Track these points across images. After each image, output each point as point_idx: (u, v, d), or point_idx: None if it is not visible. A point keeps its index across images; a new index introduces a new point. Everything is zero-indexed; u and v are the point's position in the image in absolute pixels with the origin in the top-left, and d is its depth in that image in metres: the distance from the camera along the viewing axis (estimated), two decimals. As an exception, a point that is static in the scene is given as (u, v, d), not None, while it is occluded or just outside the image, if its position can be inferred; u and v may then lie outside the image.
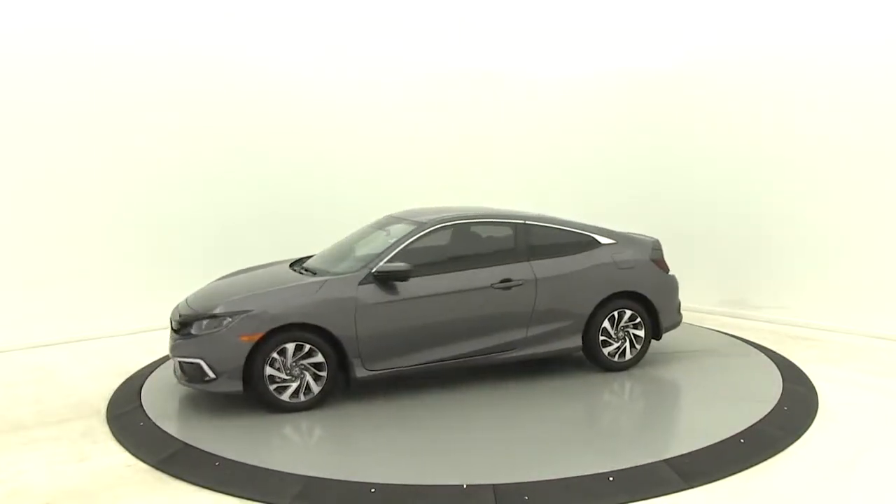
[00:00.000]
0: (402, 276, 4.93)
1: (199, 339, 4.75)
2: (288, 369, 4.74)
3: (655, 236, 6.07)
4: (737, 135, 7.80)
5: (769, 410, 4.65)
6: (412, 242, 5.15)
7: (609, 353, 5.58)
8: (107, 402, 5.16)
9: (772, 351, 6.23)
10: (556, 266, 5.44)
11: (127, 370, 5.96)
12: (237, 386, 4.66)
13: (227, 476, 3.83)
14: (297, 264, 5.66)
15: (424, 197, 7.16)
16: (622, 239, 5.78)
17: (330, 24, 8.61)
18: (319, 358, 4.78)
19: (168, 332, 5.16)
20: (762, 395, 4.98)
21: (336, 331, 4.78)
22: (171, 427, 4.57)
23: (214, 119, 7.90)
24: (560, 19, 9.32)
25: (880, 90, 6.64)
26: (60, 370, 6.08)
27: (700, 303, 7.63)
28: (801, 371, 5.62)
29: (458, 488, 3.60)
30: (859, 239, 6.90)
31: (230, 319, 4.68)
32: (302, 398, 4.79)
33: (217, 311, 4.77)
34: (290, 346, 4.71)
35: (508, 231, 5.50)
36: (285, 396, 4.75)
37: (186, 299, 5.30)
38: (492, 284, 5.21)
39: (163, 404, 5.04)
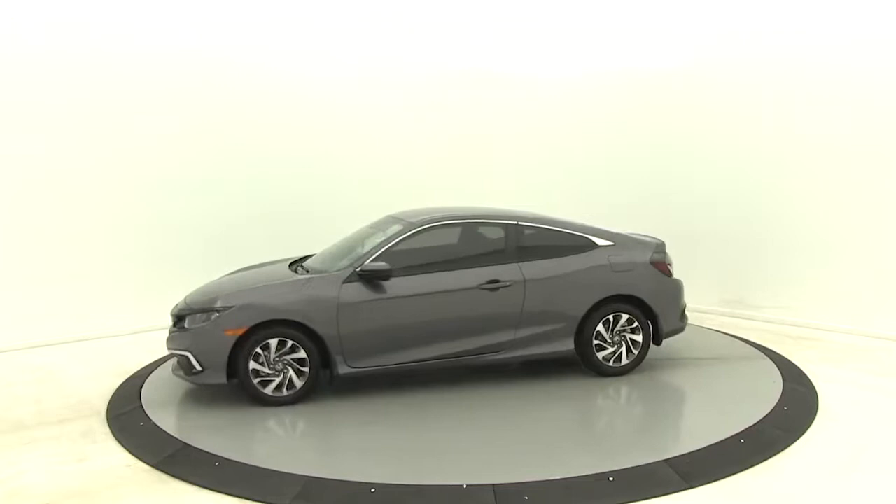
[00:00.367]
0: (384, 275, 5.00)
1: (189, 333, 4.98)
2: (271, 364, 4.88)
3: (660, 238, 5.90)
4: (737, 135, 7.80)
5: (769, 410, 4.65)
6: (399, 242, 5.20)
7: (604, 358, 5.45)
8: (107, 402, 5.16)
9: (772, 351, 6.23)
10: (546, 268, 5.35)
11: (127, 370, 5.97)
12: (221, 378, 4.84)
13: (227, 476, 3.83)
14: (298, 263, 5.73)
15: (425, 197, 7.15)
16: (621, 240, 5.64)
17: (330, 24, 8.61)
18: (302, 354, 4.91)
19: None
20: (762, 395, 4.98)
21: (318, 328, 4.90)
22: (171, 427, 4.57)
23: (214, 119, 7.90)
24: (560, 19, 9.31)
25: (880, 90, 6.64)
26: (60, 370, 6.08)
27: (700, 303, 7.63)
28: (801, 371, 5.62)
29: (458, 488, 3.60)
30: (859, 239, 6.90)
31: (217, 314, 4.87)
32: (285, 392, 4.92)
33: (204, 305, 5.00)
34: (273, 342, 4.85)
35: (499, 232, 5.47)
36: (268, 390, 4.90)
37: (186, 295, 5.43)
38: (478, 285, 5.18)
39: (163, 405, 5.05)
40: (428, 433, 4.46)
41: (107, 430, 4.61)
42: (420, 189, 8.69)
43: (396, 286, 5.05)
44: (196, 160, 7.82)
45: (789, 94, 7.33)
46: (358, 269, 5.02)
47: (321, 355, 4.97)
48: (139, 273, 7.47)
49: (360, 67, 8.81)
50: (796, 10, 7.21)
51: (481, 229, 5.58)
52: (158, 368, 5.99)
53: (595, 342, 5.42)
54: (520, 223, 5.49)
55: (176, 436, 4.40)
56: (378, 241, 5.29)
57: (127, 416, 4.84)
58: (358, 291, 5.00)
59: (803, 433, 4.32)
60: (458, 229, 5.53)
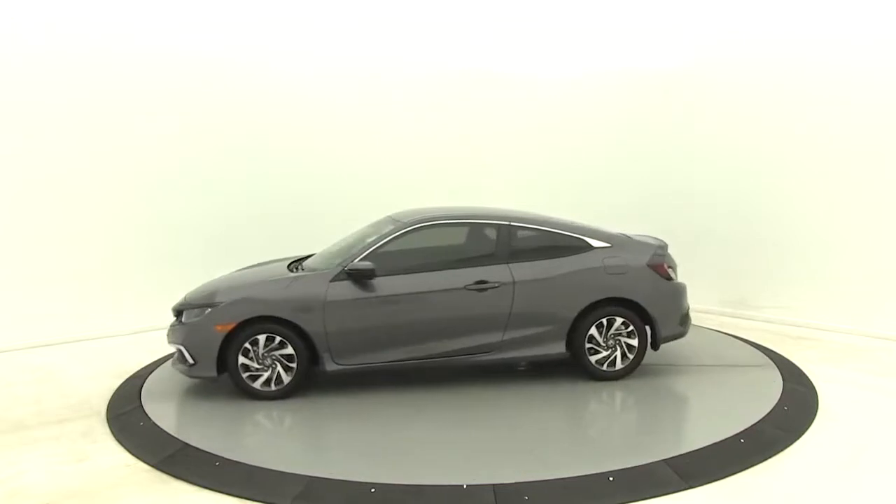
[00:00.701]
0: (368, 274, 5.06)
1: (184, 327, 5.16)
2: (260, 359, 5.00)
3: (663, 240, 5.79)
4: (737, 135, 7.81)
5: (769, 410, 4.65)
6: (388, 242, 5.24)
7: (597, 362, 5.33)
8: (107, 402, 5.16)
9: (772, 351, 6.23)
10: (537, 269, 5.28)
11: (127, 370, 5.97)
12: (212, 372, 5.01)
13: (227, 476, 3.82)
14: (298, 262, 5.78)
15: (425, 197, 7.16)
16: (619, 242, 5.52)
17: (330, 25, 8.61)
18: (290, 350, 5.02)
19: None
20: (762, 395, 4.98)
21: (305, 325, 5.00)
22: (171, 427, 4.57)
23: (214, 119, 7.90)
24: (560, 19, 9.32)
25: (880, 90, 6.64)
26: (60, 370, 6.08)
27: (700, 303, 7.62)
28: (801, 371, 5.62)
29: (458, 488, 3.60)
30: (859, 239, 6.90)
31: (209, 310, 5.04)
32: (273, 388, 5.04)
33: (199, 301, 5.18)
34: (262, 338, 4.98)
35: (491, 232, 5.45)
36: (257, 385, 5.04)
37: (189, 291, 5.57)
38: (465, 286, 5.17)
39: (163, 404, 5.05)
40: (428, 433, 4.46)
41: (107, 430, 4.61)
42: (420, 189, 8.69)
43: (384, 285, 5.11)
44: (196, 160, 7.82)
45: (789, 94, 7.33)
46: (346, 268, 5.09)
47: (309, 352, 5.05)
48: (139, 273, 7.48)
49: (360, 67, 8.81)
50: (796, 10, 7.21)
51: (473, 230, 5.59)
52: (158, 368, 5.99)
53: (588, 346, 5.32)
54: (512, 224, 5.44)
55: (176, 436, 4.40)
56: (368, 240, 5.36)
57: (127, 416, 4.84)
58: (345, 290, 5.07)
59: (803, 433, 4.32)
60: (450, 230, 5.54)
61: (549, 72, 9.52)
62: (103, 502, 3.57)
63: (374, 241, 5.28)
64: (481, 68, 9.56)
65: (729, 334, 6.91)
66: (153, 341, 6.75)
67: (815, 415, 4.64)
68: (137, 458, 4.12)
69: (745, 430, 4.31)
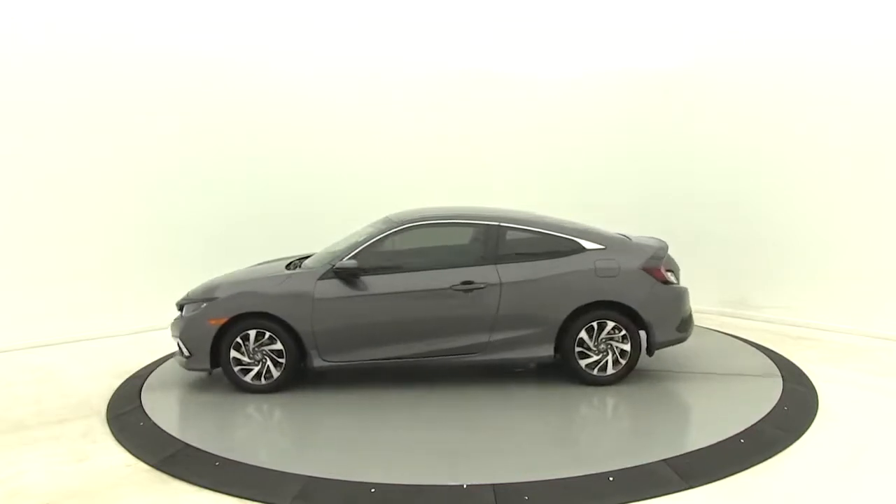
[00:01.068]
0: (354, 273, 5.14)
1: (182, 321, 5.36)
2: (251, 354, 5.17)
3: (665, 242, 5.66)
4: (737, 135, 7.80)
5: (769, 410, 4.65)
6: (376, 242, 5.31)
7: (587, 366, 5.21)
8: (107, 402, 5.17)
9: (772, 351, 6.23)
10: (525, 271, 5.19)
11: (127, 370, 5.97)
12: (206, 364, 5.20)
13: (227, 476, 3.82)
14: (299, 261, 5.82)
15: (424, 197, 7.15)
16: (614, 244, 5.38)
17: (330, 25, 8.61)
18: (279, 346, 5.16)
19: None
20: (762, 395, 4.98)
21: (293, 322, 5.13)
22: (171, 427, 4.57)
23: (214, 119, 7.90)
24: (560, 19, 9.32)
25: (880, 90, 6.64)
26: (60, 370, 6.08)
27: (700, 303, 7.61)
28: (801, 371, 5.62)
29: (458, 488, 3.60)
30: (859, 239, 6.90)
31: (205, 304, 5.24)
32: (263, 382, 5.21)
33: (198, 296, 5.38)
34: (252, 333, 5.15)
35: (481, 233, 5.44)
36: (248, 378, 5.22)
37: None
38: (451, 286, 5.15)
39: (163, 404, 5.06)
40: (428, 433, 4.46)
41: (107, 430, 4.61)
42: (420, 189, 8.69)
43: (371, 284, 5.18)
44: (196, 160, 7.82)
45: (789, 94, 7.33)
46: (334, 267, 5.18)
47: (298, 348, 5.17)
48: (139, 273, 7.48)
49: (359, 67, 8.81)
50: (796, 10, 7.21)
51: (463, 230, 5.60)
52: (158, 368, 5.99)
53: (578, 349, 5.20)
54: (501, 225, 5.38)
55: (176, 436, 4.40)
56: (357, 240, 5.43)
57: (127, 416, 4.84)
58: (332, 288, 5.16)
59: (803, 433, 4.32)
60: (445, 230, 5.54)
61: (549, 72, 9.52)
62: (103, 502, 3.57)
63: (363, 240, 5.35)
64: (481, 68, 9.56)
65: (729, 334, 6.91)
66: (153, 341, 6.75)
67: (815, 415, 4.64)
68: (137, 458, 4.12)
69: (745, 430, 4.31)
